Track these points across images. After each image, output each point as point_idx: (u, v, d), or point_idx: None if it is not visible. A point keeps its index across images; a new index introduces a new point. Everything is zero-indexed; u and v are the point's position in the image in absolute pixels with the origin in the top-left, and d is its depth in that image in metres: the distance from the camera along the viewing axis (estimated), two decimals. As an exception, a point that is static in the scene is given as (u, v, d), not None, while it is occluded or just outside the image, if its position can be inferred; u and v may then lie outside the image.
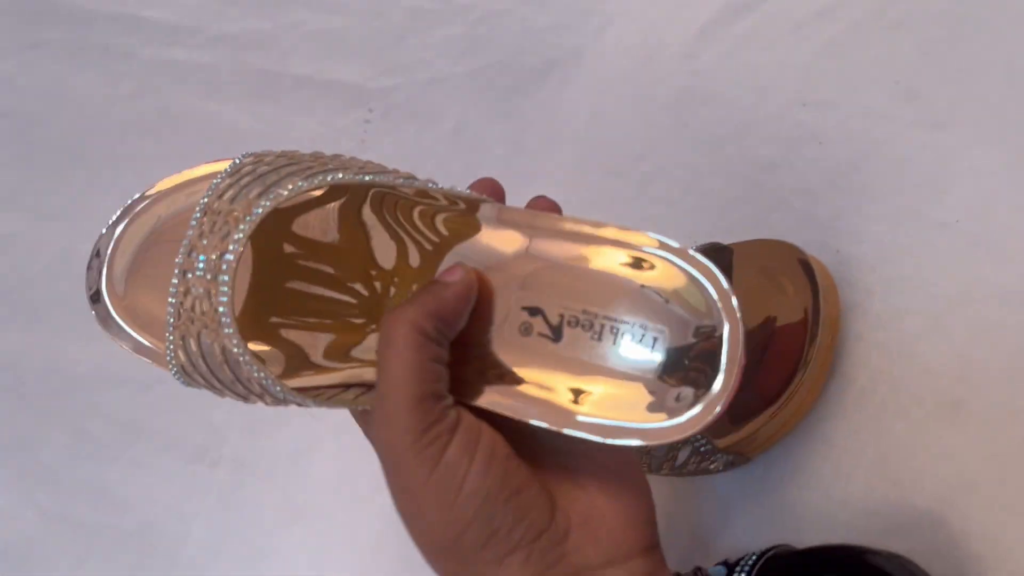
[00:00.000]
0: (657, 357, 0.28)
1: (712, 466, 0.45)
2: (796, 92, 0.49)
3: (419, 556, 0.63)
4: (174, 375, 0.32)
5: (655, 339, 0.28)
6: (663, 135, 0.55)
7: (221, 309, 0.28)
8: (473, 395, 0.31)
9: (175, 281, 0.30)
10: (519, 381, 0.30)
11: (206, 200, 0.30)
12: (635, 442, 0.27)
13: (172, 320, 0.30)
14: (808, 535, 0.42)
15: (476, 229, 0.33)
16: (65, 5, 0.62)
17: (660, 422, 0.27)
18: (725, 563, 0.39)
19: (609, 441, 0.28)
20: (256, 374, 0.29)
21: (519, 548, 0.29)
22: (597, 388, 0.29)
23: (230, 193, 0.30)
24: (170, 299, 0.30)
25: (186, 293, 0.29)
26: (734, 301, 0.26)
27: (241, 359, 0.28)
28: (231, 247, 0.28)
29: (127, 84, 0.63)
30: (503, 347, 0.31)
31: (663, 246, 0.28)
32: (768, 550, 0.38)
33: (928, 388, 0.40)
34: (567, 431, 0.29)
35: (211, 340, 0.29)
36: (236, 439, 0.68)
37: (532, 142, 0.64)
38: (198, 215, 0.30)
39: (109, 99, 0.63)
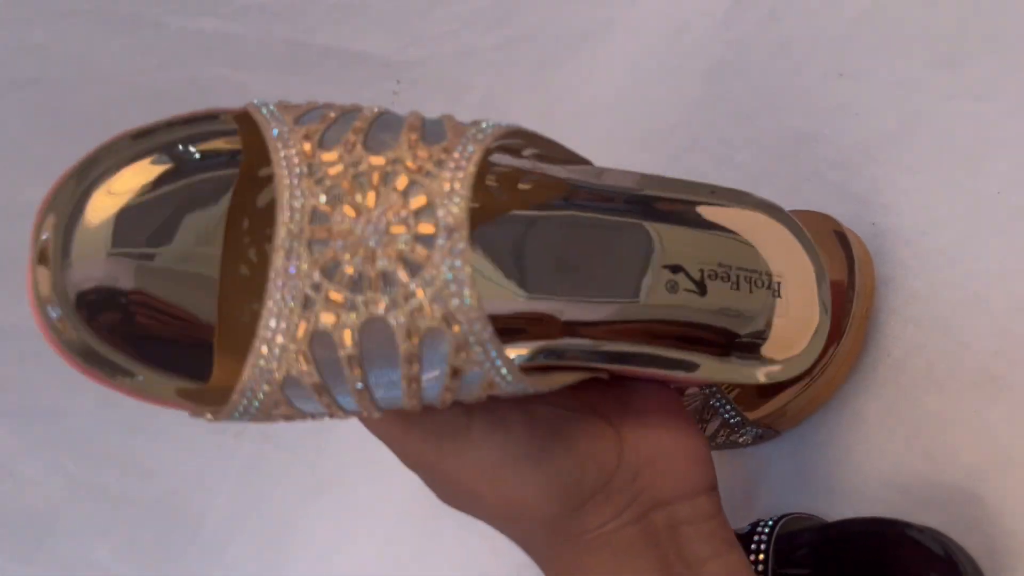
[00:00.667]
0: (781, 300, 0.33)
1: (741, 439, 0.45)
2: (832, 63, 0.48)
3: (443, 529, 0.63)
4: (258, 396, 0.24)
5: (779, 284, 0.32)
6: (695, 108, 0.55)
7: (452, 275, 0.22)
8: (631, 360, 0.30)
9: (288, 247, 0.22)
10: (679, 335, 0.32)
11: (293, 153, 0.24)
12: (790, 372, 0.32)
13: (286, 308, 0.23)
14: (839, 509, 0.41)
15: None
16: (95, -27, 0.62)
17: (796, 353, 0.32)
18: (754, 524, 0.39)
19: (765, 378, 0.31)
20: (492, 354, 0.23)
21: (596, 492, 0.29)
22: (744, 330, 0.32)
23: (357, 142, 0.24)
24: (277, 289, 0.23)
25: (334, 267, 0.23)
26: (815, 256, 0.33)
27: (488, 342, 0.23)
28: (453, 202, 0.23)
29: (156, 54, 0.63)
30: (657, 308, 0.32)
31: (760, 205, 0.34)
32: (783, 516, 0.38)
33: (964, 363, 0.39)
34: (723, 377, 0.30)
35: (409, 320, 0.23)
36: (261, 410, 0.68)
37: (561, 115, 0.63)
38: (294, 175, 0.23)
39: (138, 68, 0.63)
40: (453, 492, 0.29)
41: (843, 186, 0.46)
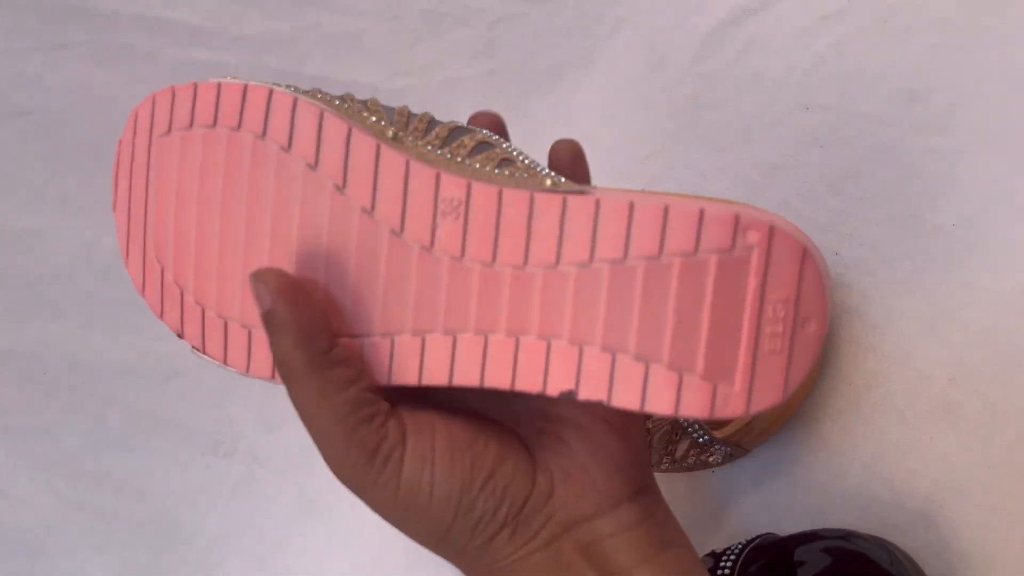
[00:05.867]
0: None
1: (711, 459, 0.46)
2: (799, 97, 0.50)
3: (427, 552, 0.64)
4: None
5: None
6: (670, 138, 0.56)
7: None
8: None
9: None
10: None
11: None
12: None
13: None
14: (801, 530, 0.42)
15: None
16: (90, 7, 0.64)
17: None
18: (712, 554, 0.40)
19: None
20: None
21: (505, 526, 0.29)
22: None
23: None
24: None
25: None
26: None
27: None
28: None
29: (150, 84, 0.65)
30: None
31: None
32: (754, 539, 0.39)
33: (922, 391, 0.41)
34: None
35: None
36: (250, 432, 0.69)
37: (543, 144, 0.65)
38: None
39: (132, 98, 0.65)
40: (377, 511, 0.30)
41: (808, 217, 0.47)
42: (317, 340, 0.28)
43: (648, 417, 0.44)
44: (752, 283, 0.25)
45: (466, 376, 0.28)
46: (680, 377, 0.25)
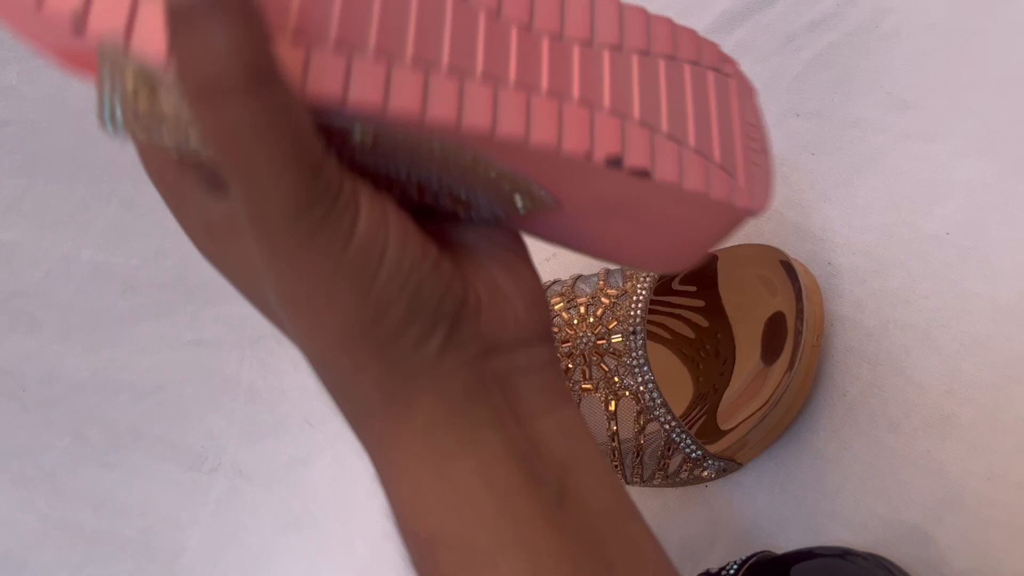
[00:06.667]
0: None
1: (704, 473, 0.45)
2: (789, 103, 0.49)
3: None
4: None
5: None
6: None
7: None
8: None
9: None
10: None
11: None
12: None
13: None
14: (796, 547, 0.42)
15: None
16: (67, 15, 0.63)
17: None
18: (707, 573, 0.39)
19: None
20: None
21: (440, 324, 0.26)
22: None
23: None
24: None
25: None
26: None
27: None
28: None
29: (128, 93, 0.64)
30: None
31: None
32: (750, 557, 0.38)
33: (917, 401, 0.40)
34: None
35: None
36: (234, 447, 0.68)
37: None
38: None
39: (110, 108, 0.64)
40: (300, 299, 0.25)
41: (799, 225, 0.46)
42: (264, 44, 0.20)
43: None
44: (735, 103, 0.28)
45: (511, 126, 0.26)
46: (706, 161, 0.27)
